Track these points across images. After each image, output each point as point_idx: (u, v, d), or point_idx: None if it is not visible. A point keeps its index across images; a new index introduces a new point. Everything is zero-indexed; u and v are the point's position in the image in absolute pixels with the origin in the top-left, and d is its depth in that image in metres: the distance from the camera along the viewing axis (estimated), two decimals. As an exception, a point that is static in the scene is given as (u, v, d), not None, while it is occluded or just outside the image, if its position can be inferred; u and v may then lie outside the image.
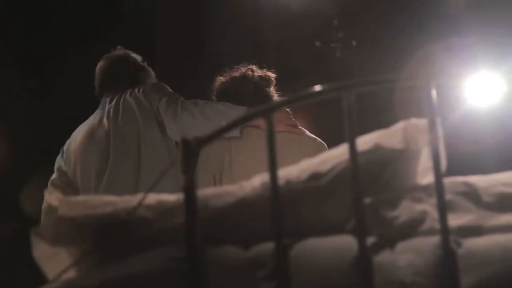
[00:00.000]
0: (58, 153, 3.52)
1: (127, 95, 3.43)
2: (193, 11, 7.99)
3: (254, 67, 3.49)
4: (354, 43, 8.07)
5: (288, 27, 7.84)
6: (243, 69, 3.49)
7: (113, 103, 3.42)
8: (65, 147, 3.48)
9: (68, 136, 3.54)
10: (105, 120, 3.38)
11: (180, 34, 8.05)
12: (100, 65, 3.64)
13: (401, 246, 1.54)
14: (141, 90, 3.42)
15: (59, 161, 3.46)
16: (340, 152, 1.64)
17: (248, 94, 3.40)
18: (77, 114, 3.69)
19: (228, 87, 3.44)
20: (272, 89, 3.47)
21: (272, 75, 3.48)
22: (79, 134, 3.45)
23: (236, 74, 3.48)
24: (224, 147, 3.23)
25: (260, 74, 3.46)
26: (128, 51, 3.66)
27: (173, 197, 1.63)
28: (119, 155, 3.29)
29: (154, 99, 3.34)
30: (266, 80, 3.46)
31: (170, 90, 3.44)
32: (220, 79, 3.52)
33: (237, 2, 7.95)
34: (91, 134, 3.38)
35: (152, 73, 3.66)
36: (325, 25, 7.87)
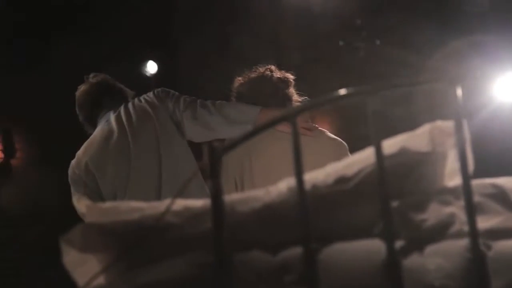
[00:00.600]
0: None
1: (136, 102, 3.48)
2: (215, 13, 8.02)
3: (272, 67, 3.49)
4: (377, 42, 8.06)
5: (311, 28, 7.85)
6: (261, 70, 3.48)
7: (120, 111, 3.45)
8: (75, 162, 3.49)
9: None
10: (116, 126, 3.40)
11: (203, 37, 8.09)
12: (84, 89, 3.71)
13: (429, 249, 1.53)
14: (151, 95, 3.47)
15: (75, 176, 3.47)
16: (366, 156, 1.63)
17: (267, 95, 3.40)
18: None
19: (247, 88, 3.45)
20: (291, 90, 3.46)
21: (291, 76, 3.47)
22: (91, 145, 3.47)
23: (254, 75, 3.48)
24: (243, 151, 3.22)
25: (278, 75, 3.45)
26: (92, 78, 3.75)
27: (200, 203, 1.63)
28: (141, 157, 3.31)
29: (170, 101, 3.37)
30: (284, 82, 3.45)
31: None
32: (239, 79, 3.52)
33: (259, 3, 7.96)
34: (106, 142, 3.41)
35: (131, 92, 3.74)
36: (348, 25, 7.86)
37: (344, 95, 1.52)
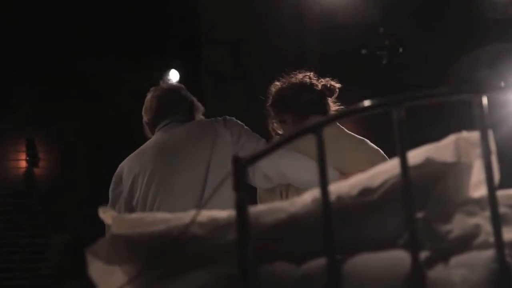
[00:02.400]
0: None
1: (203, 122, 3.46)
2: (239, 21, 8.04)
3: (311, 74, 3.40)
4: (400, 50, 8.04)
5: (334, 36, 7.84)
6: (300, 75, 3.39)
7: (182, 127, 3.44)
8: (119, 168, 3.48)
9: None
10: (171, 140, 3.36)
11: (227, 41, 8.11)
12: (153, 94, 3.64)
13: (455, 260, 1.53)
14: (221, 120, 3.41)
15: (116, 181, 3.44)
16: (391, 167, 1.63)
17: (309, 102, 3.32)
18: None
19: (288, 94, 3.36)
20: (331, 99, 3.39)
21: (337, 84, 3.38)
22: (140, 154, 3.44)
23: (295, 80, 3.37)
24: None
25: (324, 83, 3.36)
26: (176, 84, 3.72)
27: (224, 214, 1.64)
28: (187, 169, 3.25)
29: (240, 136, 3.33)
30: (330, 90, 3.37)
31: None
32: (277, 84, 3.43)
33: (282, 13, 7.97)
34: (161, 154, 3.37)
35: (201, 107, 3.67)
36: (371, 33, 7.85)
37: (369, 106, 1.52)
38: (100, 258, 1.59)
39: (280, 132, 3.43)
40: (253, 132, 3.40)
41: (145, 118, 3.65)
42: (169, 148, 3.39)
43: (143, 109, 3.66)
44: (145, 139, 3.65)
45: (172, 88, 3.68)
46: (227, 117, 3.44)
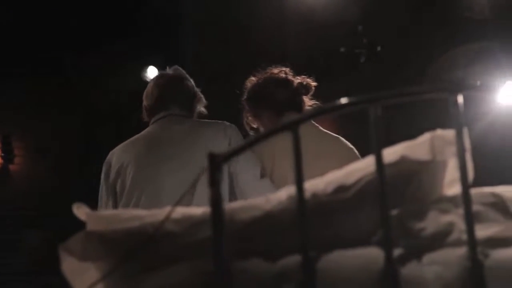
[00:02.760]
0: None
1: (203, 125, 3.34)
2: (220, 20, 8.03)
3: (287, 70, 3.38)
4: (378, 48, 8.06)
5: (313, 34, 7.85)
6: (275, 71, 3.38)
7: (180, 126, 3.34)
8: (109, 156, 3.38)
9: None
10: (166, 137, 3.29)
11: (207, 38, 8.10)
12: (156, 81, 3.53)
13: (428, 257, 1.54)
14: (222, 126, 3.31)
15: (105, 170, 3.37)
16: (366, 164, 1.63)
17: (285, 100, 3.31)
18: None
19: (265, 90, 3.34)
20: (308, 96, 3.37)
21: (312, 83, 3.37)
22: (132, 144, 3.37)
23: (271, 76, 3.35)
24: (268, 152, 3.17)
25: (300, 80, 3.35)
26: (182, 71, 3.56)
27: (199, 211, 1.64)
28: (179, 170, 3.15)
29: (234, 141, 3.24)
30: (306, 88, 3.36)
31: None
32: (252, 79, 3.41)
33: (263, 11, 7.97)
34: (151, 146, 3.29)
35: (203, 98, 3.55)
36: (349, 31, 7.87)
37: (346, 104, 1.53)
38: (73, 254, 1.59)
39: (254, 126, 3.42)
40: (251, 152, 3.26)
41: (144, 103, 3.53)
42: (163, 144, 3.28)
43: (144, 93, 3.54)
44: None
45: (176, 77, 3.53)
46: (228, 124, 3.31)
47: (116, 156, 3.34)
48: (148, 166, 3.25)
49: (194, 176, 2.89)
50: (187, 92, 3.50)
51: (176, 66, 3.57)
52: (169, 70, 3.55)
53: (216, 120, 3.37)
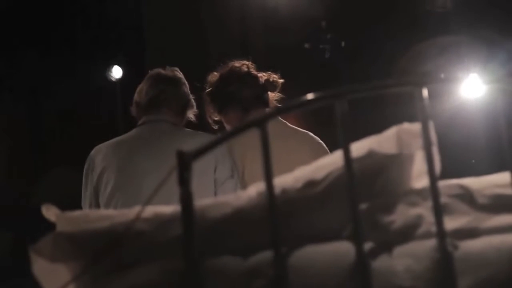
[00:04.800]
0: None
1: (194, 137, 3.26)
2: (183, 15, 8.01)
3: (249, 64, 3.35)
4: (343, 44, 8.10)
5: (277, 30, 7.87)
6: (236, 64, 3.34)
7: (169, 135, 3.26)
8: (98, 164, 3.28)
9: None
10: (155, 145, 3.20)
11: (170, 36, 8.08)
12: (153, 80, 3.40)
13: (398, 250, 1.55)
14: (209, 138, 3.21)
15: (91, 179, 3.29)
16: (335, 159, 1.64)
17: (252, 97, 3.28)
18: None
19: (229, 87, 3.31)
20: (273, 94, 3.36)
21: (279, 80, 3.34)
22: (117, 144, 3.30)
23: (234, 71, 3.30)
24: (240, 149, 3.15)
25: (266, 77, 3.32)
26: (181, 75, 3.45)
27: (170, 209, 1.63)
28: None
29: (221, 162, 3.18)
30: (272, 84, 3.33)
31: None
32: (215, 75, 3.37)
33: (226, 7, 7.97)
34: (136, 150, 3.22)
35: (195, 106, 3.46)
36: (313, 27, 7.90)
37: (311, 100, 1.54)
38: (43, 256, 1.58)
39: (216, 118, 3.40)
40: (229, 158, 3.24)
41: (136, 97, 3.41)
42: (147, 148, 3.22)
43: (138, 88, 3.42)
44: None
45: (174, 81, 3.40)
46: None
47: (102, 155, 3.23)
48: (129, 170, 3.19)
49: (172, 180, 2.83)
50: (182, 98, 3.40)
51: (175, 68, 3.46)
52: (167, 71, 3.44)
53: (204, 132, 3.30)
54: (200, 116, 3.50)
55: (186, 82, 3.43)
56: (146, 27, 8.34)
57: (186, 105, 3.40)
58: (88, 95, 7.89)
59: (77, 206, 3.28)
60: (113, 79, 8.55)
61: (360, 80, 1.78)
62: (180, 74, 3.42)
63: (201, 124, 3.49)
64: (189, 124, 3.46)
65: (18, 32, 7.98)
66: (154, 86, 3.36)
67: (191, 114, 3.45)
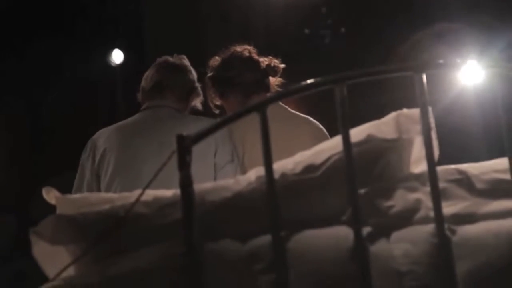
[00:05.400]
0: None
1: (193, 119, 3.25)
2: (184, 2, 8.00)
3: (251, 48, 3.34)
4: (343, 29, 8.09)
5: (277, 15, 7.86)
6: (238, 49, 3.34)
7: (172, 120, 3.23)
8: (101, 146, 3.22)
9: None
10: (158, 129, 3.17)
11: (168, 16, 8.07)
12: (159, 66, 3.39)
13: (396, 235, 1.56)
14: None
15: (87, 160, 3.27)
16: (334, 144, 1.65)
17: (253, 82, 3.28)
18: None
19: (231, 71, 3.26)
20: (274, 79, 3.35)
21: (280, 65, 3.34)
22: (120, 128, 3.27)
23: (236, 55, 3.29)
24: (239, 133, 3.15)
25: (268, 62, 3.32)
26: (187, 63, 3.45)
27: (170, 193, 1.64)
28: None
29: (221, 145, 3.15)
30: (274, 70, 3.33)
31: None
32: (217, 59, 3.36)
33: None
34: (137, 134, 3.20)
35: (201, 93, 3.40)
36: (314, 13, 7.89)
37: (311, 84, 1.54)
38: (44, 238, 1.58)
39: (218, 103, 3.40)
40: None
41: (142, 83, 3.39)
42: (148, 133, 3.21)
43: (145, 75, 3.40)
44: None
45: (180, 67, 3.38)
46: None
47: (103, 139, 3.24)
48: (130, 154, 3.19)
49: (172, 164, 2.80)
50: (186, 84, 3.39)
51: (182, 56, 3.47)
52: (174, 58, 3.44)
53: (208, 118, 3.29)
54: (205, 104, 3.49)
55: (192, 70, 3.42)
56: (148, 12, 8.33)
57: (190, 92, 3.40)
58: (88, 83, 7.87)
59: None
60: (113, 64, 8.53)
61: (359, 66, 1.78)
62: (186, 62, 3.42)
63: (205, 112, 3.48)
64: (196, 112, 3.45)
65: (17, 18, 7.96)
66: (159, 72, 3.37)
67: (198, 102, 3.45)
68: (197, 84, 3.41)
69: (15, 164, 8.11)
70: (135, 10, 8.39)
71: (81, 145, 3.45)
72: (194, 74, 3.41)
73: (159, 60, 3.44)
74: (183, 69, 3.39)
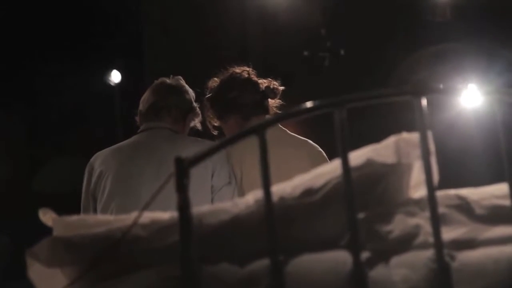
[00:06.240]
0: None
1: (191, 141, 3.24)
2: (182, 23, 8.02)
3: (250, 70, 3.33)
4: (342, 51, 8.11)
5: (277, 37, 7.88)
6: (237, 70, 3.32)
7: (169, 142, 3.21)
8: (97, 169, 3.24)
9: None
10: (154, 152, 3.17)
11: (169, 44, 8.09)
12: (154, 88, 3.38)
13: (395, 260, 1.55)
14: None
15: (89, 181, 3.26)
16: (333, 168, 1.64)
17: (252, 104, 3.27)
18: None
19: (230, 93, 3.26)
20: (273, 101, 3.34)
21: (280, 87, 3.33)
22: (118, 150, 3.28)
23: (236, 77, 3.29)
24: (237, 157, 3.14)
25: (267, 84, 3.31)
26: (184, 83, 3.43)
27: (167, 215, 1.63)
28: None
29: (219, 169, 3.15)
30: (273, 92, 3.32)
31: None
32: (216, 80, 3.35)
33: (226, 14, 7.98)
34: (134, 157, 3.19)
35: (199, 114, 3.40)
36: (313, 35, 7.91)
37: (311, 108, 1.54)
38: (40, 260, 1.57)
39: (216, 124, 3.39)
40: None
41: (140, 106, 3.39)
42: (145, 156, 3.19)
43: (142, 98, 3.40)
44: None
45: (175, 88, 3.38)
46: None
47: (100, 161, 3.23)
48: (127, 175, 3.17)
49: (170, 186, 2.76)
50: (183, 105, 3.38)
51: (179, 77, 3.46)
52: (171, 80, 3.43)
53: (206, 140, 3.28)
54: (204, 123, 3.48)
55: (189, 90, 3.41)
56: (146, 32, 8.34)
57: (187, 112, 3.38)
58: (87, 100, 7.87)
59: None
60: (112, 84, 8.54)
61: (359, 89, 1.78)
62: (183, 82, 3.41)
63: (205, 132, 3.47)
64: (195, 133, 3.44)
65: (17, 37, 7.98)
66: (154, 94, 3.36)
67: (196, 123, 3.43)
68: (195, 104, 3.40)
69: (14, 183, 8.10)
70: (134, 31, 8.41)
71: (80, 166, 3.43)
72: (191, 94, 3.40)
73: (156, 82, 3.44)
74: (179, 90, 3.39)
